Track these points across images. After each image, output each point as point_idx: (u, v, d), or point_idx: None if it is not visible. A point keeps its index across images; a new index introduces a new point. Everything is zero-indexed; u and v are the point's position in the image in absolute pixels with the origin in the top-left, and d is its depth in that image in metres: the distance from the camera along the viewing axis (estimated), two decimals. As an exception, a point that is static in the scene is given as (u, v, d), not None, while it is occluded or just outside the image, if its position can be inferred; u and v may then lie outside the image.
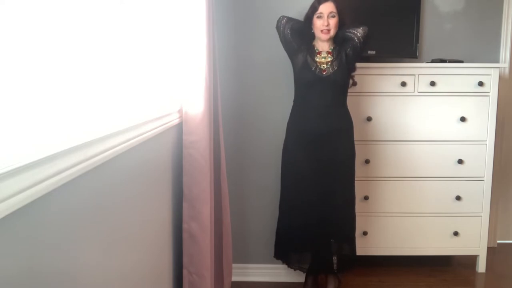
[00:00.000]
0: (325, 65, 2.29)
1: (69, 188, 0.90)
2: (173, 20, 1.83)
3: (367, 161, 2.70)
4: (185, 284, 1.89)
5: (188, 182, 1.85)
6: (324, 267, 2.41)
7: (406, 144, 2.71)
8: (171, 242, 1.83)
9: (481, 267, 2.82)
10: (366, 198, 2.73)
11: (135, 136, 1.30)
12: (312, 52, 2.33)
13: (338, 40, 2.33)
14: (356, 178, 2.48)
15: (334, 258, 2.40)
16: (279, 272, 2.69)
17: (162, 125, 1.61)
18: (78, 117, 1.05)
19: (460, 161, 2.71)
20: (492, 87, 2.66)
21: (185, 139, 1.84)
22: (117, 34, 1.31)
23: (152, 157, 1.56)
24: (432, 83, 2.66)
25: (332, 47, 2.33)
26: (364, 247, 2.73)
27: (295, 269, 2.48)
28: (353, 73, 2.37)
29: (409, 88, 2.67)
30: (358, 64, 2.39)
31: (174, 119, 1.80)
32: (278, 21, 2.32)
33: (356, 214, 2.45)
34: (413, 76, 2.66)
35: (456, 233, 2.76)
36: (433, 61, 2.78)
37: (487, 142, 2.71)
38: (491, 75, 2.66)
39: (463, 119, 2.68)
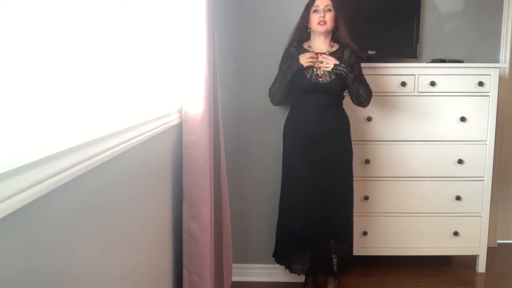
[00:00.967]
0: (321, 71, 2.29)
1: (69, 188, 0.90)
2: (173, 20, 1.83)
3: (367, 161, 2.70)
4: (185, 284, 1.89)
5: (188, 182, 1.85)
6: (323, 267, 2.40)
7: (406, 144, 2.71)
8: (171, 242, 1.83)
9: (481, 267, 2.82)
10: (366, 198, 2.73)
11: (135, 136, 1.30)
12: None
13: (340, 48, 2.34)
14: (356, 178, 2.48)
15: (334, 260, 2.40)
16: (279, 272, 2.69)
17: (162, 125, 1.61)
18: (78, 117, 1.05)
19: (460, 161, 2.71)
20: (492, 87, 2.66)
21: (185, 139, 1.84)
22: (117, 34, 1.31)
23: (152, 157, 1.56)
24: (432, 83, 2.66)
25: (330, 50, 2.33)
26: (364, 247, 2.73)
27: (298, 274, 2.46)
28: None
29: (409, 88, 2.67)
30: (358, 64, 2.40)
31: (174, 119, 1.80)
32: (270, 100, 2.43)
33: (356, 214, 2.45)
34: (413, 76, 2.66)
35: (456, 233, 2.76)
36: (433, 61, 2.78)
37: (487, 142, 2.71)
38: (491, 75, 2.66)
39: (463, 119, 2.68)
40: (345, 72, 2.24)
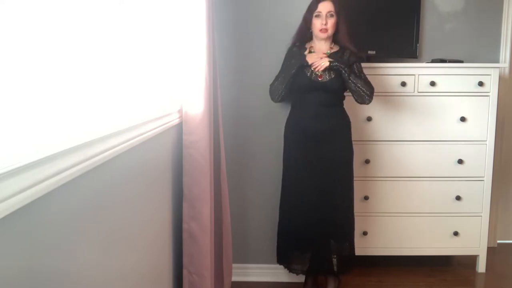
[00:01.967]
0: (319, 71, 2.29)
1: (69, 188, 0.90)
2: (173, 20, 1.83)
3: (367, 161, 2.70)
4: (185, 284, 1.89)
5: (188, 182, 1.85)
6: (323, 267, 2.41)
7: (406, 144, 2.71)
8: (171, 242, 1.83)
9: (481, 267, 2.82)
10: (366, 198, 2.73)
11: (135, 136, 1.30)
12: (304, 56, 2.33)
13: (340, 50, 2.34)
14: (356, 178, 2.48)
15: (334, 260, 2.40)
16: (279, 272, 2.69)
17: (162, 125, 1.61)
18: (78, 117, 1.05)
19: (460, 161, 2.71)
20: (492, 87, 2.66)
21: (185, 139, 1.84)
22: (117, 34, 1.31)
23: (152, 157, 1.56)
24: (432, 83, 2.66)
25: (330, 52, 2.33)
26: (364, 247, 2.73)
27: (298, 274, 2.47)
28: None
29: (409, 88, 2.67)
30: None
31: (174, 119, 1.80)
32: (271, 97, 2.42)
33: (356, 214, 2.45)
34: (413, 76, 2.66)
35: (456, 233, 2.76)
36: (433, 61, 2.78)
37: (487, 142, 2.71)
38: (491, 75, 2.66)
39: (463, 119, 2.68)
40: (341, 67, 2.26)
